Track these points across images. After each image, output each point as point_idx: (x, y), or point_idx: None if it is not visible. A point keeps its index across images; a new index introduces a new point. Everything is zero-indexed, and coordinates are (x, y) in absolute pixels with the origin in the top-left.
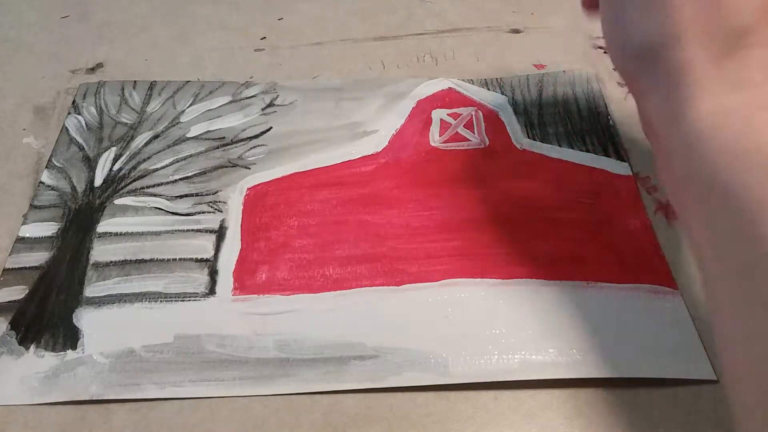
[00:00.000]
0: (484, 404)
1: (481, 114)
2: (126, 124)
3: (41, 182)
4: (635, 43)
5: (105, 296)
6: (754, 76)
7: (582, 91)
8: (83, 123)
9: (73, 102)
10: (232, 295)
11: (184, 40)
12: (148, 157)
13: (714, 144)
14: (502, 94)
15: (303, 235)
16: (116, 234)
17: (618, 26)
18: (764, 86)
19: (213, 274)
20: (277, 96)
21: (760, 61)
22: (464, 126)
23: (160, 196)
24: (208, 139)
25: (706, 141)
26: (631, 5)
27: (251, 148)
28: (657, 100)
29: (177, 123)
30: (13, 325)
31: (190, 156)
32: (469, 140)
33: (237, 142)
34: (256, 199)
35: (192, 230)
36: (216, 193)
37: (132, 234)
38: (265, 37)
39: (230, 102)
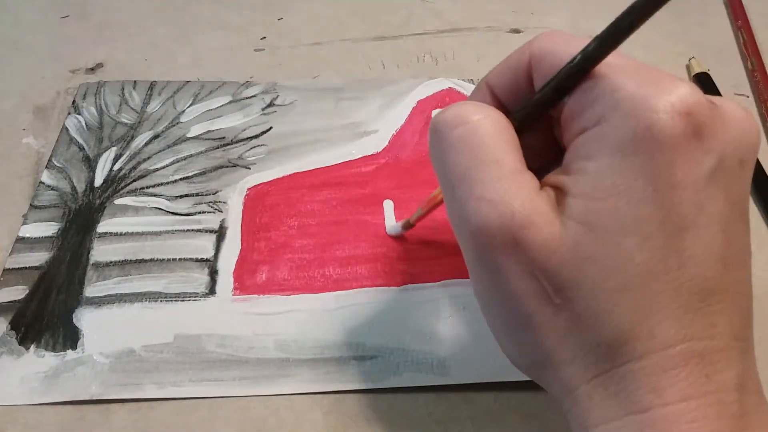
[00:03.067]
0: (484, 404)
1: None
2: (126, 124)
3: (41, 182)
4: (518, 365)
5: (105, 296)
6: (640, 398)
7: None
8: (83, 123)
9: (73, 102)
10: (233, 295)
11: (184, 40)
12: (148, 157)
13: None
14: None
15: (303, 235)
16: (116, 234)
17: (502, 347)
18: (651, 412)
19: (213, 274)
20: (277, 96)
21: (643, 378)
22: None
23: (160, 196)
24: (208, 139)
25: None
26: (501, 337)
27: (251, 148)
28: (565, 409)
29: (177, 123)
30: (13, 325)
31: (191, 156)
32: None
33: (237, 142)
34: (256, 199)
35: (192, 230)
36: (216, 193)
37: (132, 234)
38: (265, 37)
39: (230, 102)
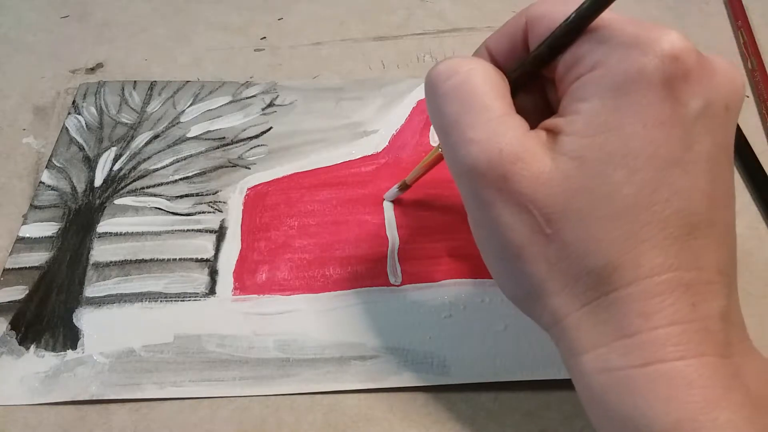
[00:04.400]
0: (484, 404)
1: None
2: (126, 124)
3: (41, 182)
4: (512, 298)
5: (105, 296)
6: (628, 324)
7: None
8: (83, 123)
9: (73, 102)
10: (233, 295)
11: (184, 40)
12: (149, 157)
13: (603, 408)
14: None
15: (303, 235)
16: (116, 234)
17: (497, 281)
18: (638, 336)
19: (213, 274)
20: (277, 96)
21: (630, 304)
22: None
23: (160, 196)
24: (209, 139)
25: (596, 404)
26: (495, 270)
27: (251, 148)
28: (554, 341)
29: (177, 123)
30: (13, 325)
31: (190, 156)
32: None
33: (237, 142)
34: (256, 199)
35: (192, 230)
36: (216, 193)
37: (132, 234)
38: (265, 37)
39: (230, 102)
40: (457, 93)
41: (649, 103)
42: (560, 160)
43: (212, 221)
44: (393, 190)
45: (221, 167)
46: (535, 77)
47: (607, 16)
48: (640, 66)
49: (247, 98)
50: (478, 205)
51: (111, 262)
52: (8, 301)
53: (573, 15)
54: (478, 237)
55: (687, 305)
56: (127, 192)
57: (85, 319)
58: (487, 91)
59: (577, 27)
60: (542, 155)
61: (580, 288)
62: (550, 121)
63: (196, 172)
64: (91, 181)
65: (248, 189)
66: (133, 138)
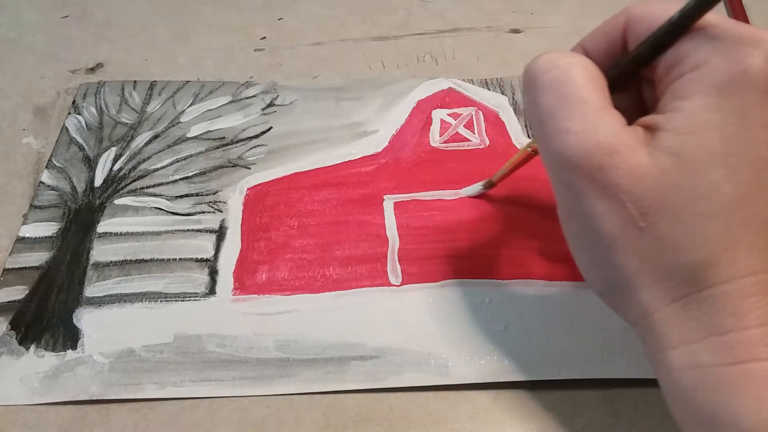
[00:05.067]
0: (484, 404)
1: (481, 114)
2: (126, 124)
3: (41, 182)
4: (598, 291)
5: (105, 296)
6: (721, 321)
7: None
8: (83, 123)
9: (73, 102)
10: (233, 295)
11: (184, 40)
12: (148, 157)
13: (690, 404)
14: (502, 94)
15: (303, 235)
16: (116, 234)
17: (584, 273)
18: (731, 334)
19: (213, 274)
20: (277, 96)
21: (724, 303)
22: (464, 126)
23: (160, 196)
24: (208, 139)
25: (683, 400)
26: (584, 262)
27: (251, 148)
28: (639, 336)
29: (177, 123)
30: (13, 325)
31: (190, 156)
32: (469, 140)
33: (237, 142)
34: (256, 199)
35: (192, 230)
36: (216, 193)
37: (132, 234)
38: (265, 37)
39: (230, 102)
40: (556, 85)
41: (752, 104)
42: (658, 155)
43: (212, 221)
44: (476, 187)
45: (221, 167)
46: (633, 76)
47: (709, 16)
48: (746, 67)
49: (247, 98)
50: (571, 196)
51: (111, 262)
52: (8, 301)
53: (677, 14)
54: (568, 229)
55: None
56: (127, 192)
57: (85, 319)
58: (585, 84)
59: (680, 26)
60: (639, 150)
61: (671, 283)
62: (648, 118)
63: (196, 172)
64: (91, 181)
65: (248, 189)
66: (133, 138)
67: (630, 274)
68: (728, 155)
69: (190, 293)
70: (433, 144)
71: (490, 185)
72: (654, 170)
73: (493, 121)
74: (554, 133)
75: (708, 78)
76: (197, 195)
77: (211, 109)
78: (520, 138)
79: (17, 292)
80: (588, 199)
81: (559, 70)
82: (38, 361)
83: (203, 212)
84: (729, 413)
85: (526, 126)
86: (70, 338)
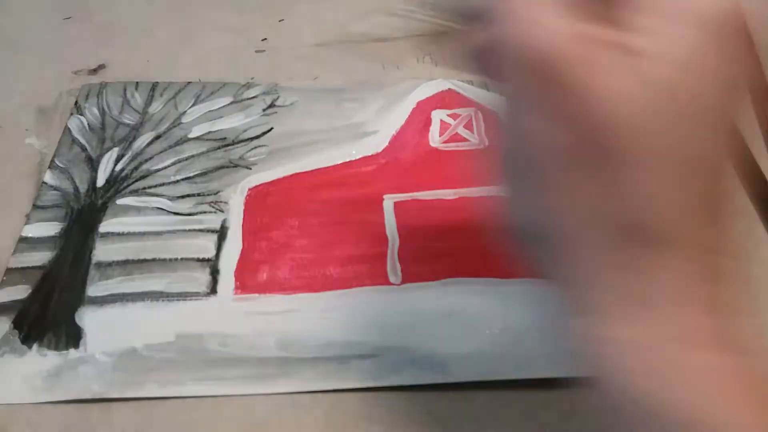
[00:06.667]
0: (484, 404)
1: (480, 114)
2: (128, 124)
3: (44, 182)
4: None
5: (107, 296)
6: (663, 294)
7: None
8: (86, 124)
9: (76, 103)
10: (234, 294)
11: (186, 42)
12: (150, 158)
13: (623, 390)
14: None
15: (304, 235)
16: (118, 234)
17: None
18: (673, 309)
19: (215, 273)
20: (278, 97)
21: (671, 274)
22: (464, 126)
23: (162, 196)
24: (210, 139)
25: (616, 381)
26: (508, 194)
27: (252, 149)
28: (558, 299)
29: (179, 124)
30: (16, 324)
31: (192, 156)
32: (469, 140)
33: (238, 142)
34: (257, 199)
35: (194, 230)
36: (217, 193)
37: (134, 234)
38: (266, 39)
39: (231, 103)
40: None
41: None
42: (649, 86)
43: (214, 221)
44: None
45: (223, 167)
46: None
47: None
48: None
49: (248, 99)
50: (519, 105)
51: (113, 261)
52: (11, 301)
53: None
54: (506, 154)
55: None
56: (129, 192)
57: (88, 318)
58: None
59: None
60: (623, 69)
61: (617, 244)
62: (613, 32)
63: (197, 173)
64: (94, 181)
65: (249, 189)
66: (135, 138)
67: (568, 223)
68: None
69: (191, 293)
70: (432, 144)
71: None
72: (642, 103)
73: (493, 122)
74: (520, 21)
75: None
76: (199, 195)
77: (212, 110)
78: None
79: (20, 292)
80: (538, 111)
81: None
82: (41, 360)
83: (205, 212)
84: (663, 403)
85: None
86: (73, 337)
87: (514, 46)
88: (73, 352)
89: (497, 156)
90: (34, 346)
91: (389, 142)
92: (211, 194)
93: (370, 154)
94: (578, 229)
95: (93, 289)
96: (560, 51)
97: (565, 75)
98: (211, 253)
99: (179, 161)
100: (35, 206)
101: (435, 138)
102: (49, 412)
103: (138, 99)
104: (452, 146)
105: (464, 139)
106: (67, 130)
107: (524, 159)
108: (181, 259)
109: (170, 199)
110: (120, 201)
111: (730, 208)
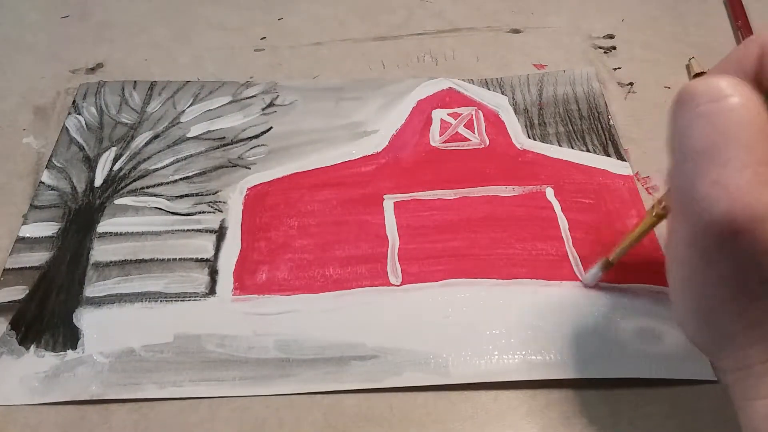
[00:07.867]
0: (484, 404)
1: (481, 114)
2: (126, 124)
3: (41, 182)
4: (697, 343)
5: (105, 296)
6: None
7: (582, 90)
8: (83, 123)
9: (74, 102)
10: (233, 295)
11: (185, 40)
12: (149, 157)
13: None
14: (502, 94)
15: (303, 236)
16: (116, 234)
17: (683, 325)
18: None
19: (213, 274)
20: (277, 96)
21: None
22: (464, 126)
23: (160, 196)
24: (209, 139)
25: None
26: (686, 313)
27: (251, 148)
28: (727, 381)
29: (177, 123)
30: (14, 325)
31: (191, 156)
32: (469, 140)
33: (237, 142)
34: (256, 199)
35: (192, 230)
36: (216, 193)
37: (132, 234)
38: (265, 37)
39: (230, 102)
40: (718, 119)
41: None
42: None
43: (212, 221)
44: (594, 272)
45: (221, 167)
46: None
47: None
48: None
49: (247, 98)
50: (698, 251)
51: (111, 262)
52: (8, 301)
53: None
54: (683, 280)
55: None
56: (127, 192)
57: (85, 319)
58: (752, 128)
59: None
60: None
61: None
62: None
63: (196, 172)
64: (91, 181)
65: (248, 189)
66: (133, 138)
67: (734, 335)
68: None
69: (190, 293)
70: (433, 144)
71: (608, 265)
72: None
73: (493, 121)
74: (701, 176)
75: None
76: (197, 195)
77: (211, 109)
78: (520, 138)
79: (17, 292)
80: (716, 261)
81: (725, 104)
82: (38, 361)
83: (203, 212)
84: None
85: (525, 126)
86: (70, 338)
87: (683, 198)
88: (70, 353)
89: (673, 282)
90: (32, 347)
91: (389, 142)
92: (209, 194)
93: (369, 154)
94: (746, 334)
95: (91, 290)
96: (730, 218)
97: (733, 238)
98: (209, 254)
99: (177, 161)
100: (32, 206)
101: (435, 137)
102: (47, 414)
103: (136, 98)
104: (453, 146)
105: (465, 139)
106: (64, 130)
107: (700, 288)
108: (180, 259)
109: (168, 199)
110: (118, 201)
111: None
